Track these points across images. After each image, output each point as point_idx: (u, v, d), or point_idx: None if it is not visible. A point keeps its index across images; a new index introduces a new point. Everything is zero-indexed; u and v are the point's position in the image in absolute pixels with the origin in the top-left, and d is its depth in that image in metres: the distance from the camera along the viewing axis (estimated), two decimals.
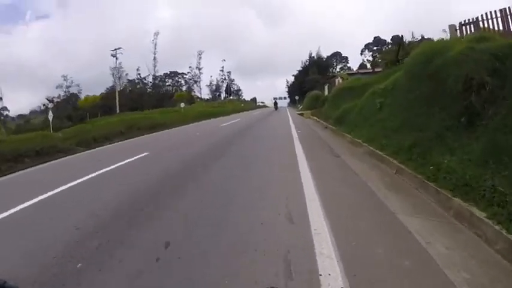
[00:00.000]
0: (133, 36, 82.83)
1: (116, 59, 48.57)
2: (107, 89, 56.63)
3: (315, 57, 62.23)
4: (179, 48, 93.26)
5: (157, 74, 66.57)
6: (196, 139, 10.64)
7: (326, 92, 29.32)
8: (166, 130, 15.27)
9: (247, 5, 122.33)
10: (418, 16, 71.70)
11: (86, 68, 75.51)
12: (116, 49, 48.14)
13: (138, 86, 60.84)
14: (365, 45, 73.91)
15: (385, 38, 70.74)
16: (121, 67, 57.87)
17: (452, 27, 8.51)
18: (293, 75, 68.06)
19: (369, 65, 63.46)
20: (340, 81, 24.11)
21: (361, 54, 74.02)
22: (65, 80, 55.90)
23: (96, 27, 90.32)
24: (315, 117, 17.32)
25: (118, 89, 51.33)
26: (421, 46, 6.88)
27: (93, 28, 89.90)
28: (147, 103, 48.03)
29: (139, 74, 64.42)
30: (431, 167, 4.11)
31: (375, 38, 72.70)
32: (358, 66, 62.42)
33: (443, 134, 4.43)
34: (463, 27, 8.37)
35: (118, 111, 44.92)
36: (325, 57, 65.66)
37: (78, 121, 27.03)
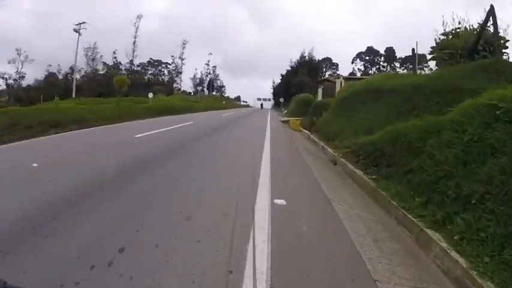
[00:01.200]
0: (116, 18, 73.24)
1: (79, 34, 41.48)
2: (70, 69, 50.43)
3: (307, 58, 56.57)
4: (163, 38, 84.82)
5: (138, 62, 61.60)
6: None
7: (320, 97, 23.76)
8: (66, 133, 8.56)
9: (240, 3, 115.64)
10: (408, 32, 68.46)
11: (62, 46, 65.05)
12: (79, 23, 41.21)
13: (119, 72, 55.80)
14: (357, 54, 69.83)
15: (379, 49, 67.37)
16: (96, 47, 53.23)
17: None
18: (281, 75, 62.04)
19: (359, 74, 58.98)
20: (343, 83, 18.54)
21: (352, 62, 69.86)
22: (18, 54, 47.77)
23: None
24: (308, 132, 11.54)
25: (78, 69, 46.47)
26: None
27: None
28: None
29: (115, 57, 58.64)
30: None
31: (368, 47, 68.73)
32: (348, 74, 57.99)
33: None
34: None
35: (74, 95, 38.96)
36: (317, 60, 60.49)
37: (28, 104, 24.45)
